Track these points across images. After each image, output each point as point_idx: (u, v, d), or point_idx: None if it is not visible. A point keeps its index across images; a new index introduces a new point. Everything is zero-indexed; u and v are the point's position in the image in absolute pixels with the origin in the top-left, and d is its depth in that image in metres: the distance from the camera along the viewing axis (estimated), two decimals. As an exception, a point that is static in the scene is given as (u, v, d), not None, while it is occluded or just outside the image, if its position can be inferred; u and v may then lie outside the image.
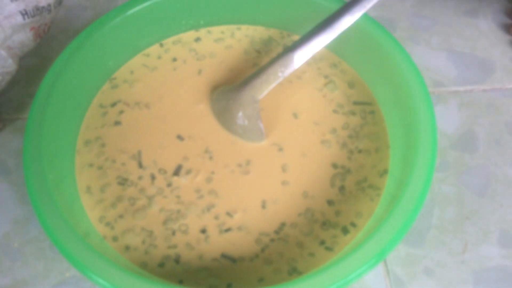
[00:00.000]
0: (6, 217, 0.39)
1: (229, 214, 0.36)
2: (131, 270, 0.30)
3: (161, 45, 0.45)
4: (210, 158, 0.38)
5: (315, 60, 0.44)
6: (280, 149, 0.39)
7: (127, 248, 0.35)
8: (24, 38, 0.41)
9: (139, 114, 0.41)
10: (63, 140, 0.38)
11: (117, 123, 0.40)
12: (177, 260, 0.34)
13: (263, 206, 0.36)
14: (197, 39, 0.45)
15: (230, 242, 0.35)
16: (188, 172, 0.38)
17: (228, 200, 0.37)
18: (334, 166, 0.38)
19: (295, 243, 0.35)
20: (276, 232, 0.35)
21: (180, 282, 0.33)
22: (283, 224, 0.36)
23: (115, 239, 0.35)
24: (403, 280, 0.36)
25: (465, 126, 0.44)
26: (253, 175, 0.38)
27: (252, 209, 0.36)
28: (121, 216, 0.36)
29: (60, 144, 0.37)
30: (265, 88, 0.38)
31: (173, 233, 0.35)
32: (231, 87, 0.40)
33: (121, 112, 0.41)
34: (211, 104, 0.41)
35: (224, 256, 0.34)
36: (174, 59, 0.44)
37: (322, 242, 0.35)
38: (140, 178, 0.37)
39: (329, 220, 0.36)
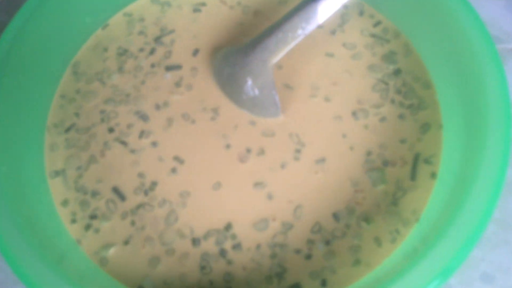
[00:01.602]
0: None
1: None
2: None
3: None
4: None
5: (344, 13, 0.35)
6: (296, 135, 0.31)
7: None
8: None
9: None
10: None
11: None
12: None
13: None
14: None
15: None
16: None
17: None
18: (368, 153, 0.30)
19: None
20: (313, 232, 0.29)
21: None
22: (317, 223, 0.29)
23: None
24: (456, 289, 0.29)
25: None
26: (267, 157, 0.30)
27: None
28: None
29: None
30: (280, 50, 0.30)
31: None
32: (237, 48, 0.32)
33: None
34: (213, 71, 0.33)
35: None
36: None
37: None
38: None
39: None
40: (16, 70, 0.30)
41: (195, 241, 0.29)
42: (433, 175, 0.29)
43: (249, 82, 0.31)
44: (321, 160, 0.30)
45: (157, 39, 0.35)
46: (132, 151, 0.32)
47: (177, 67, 0.34)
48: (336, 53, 0.33)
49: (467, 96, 0.28)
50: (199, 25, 0.35)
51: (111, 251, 0.29)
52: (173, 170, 0.31)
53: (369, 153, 0.30)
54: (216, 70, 0.33)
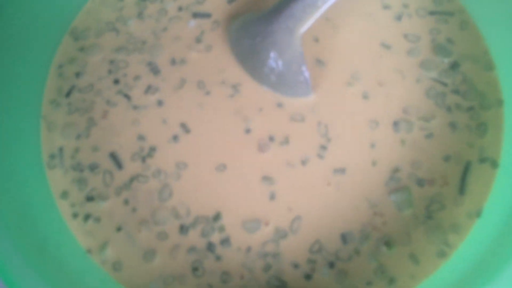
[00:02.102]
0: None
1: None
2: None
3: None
4: None
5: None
6: (325, 126, 0.26)
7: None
8: None
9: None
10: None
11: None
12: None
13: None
14: None
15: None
16: None
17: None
18: (395, 170, 0.26)
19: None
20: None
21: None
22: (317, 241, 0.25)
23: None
24: None
25: None
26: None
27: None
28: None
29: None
30: (309, 16, 0.25)
31: None
32: (257, 16, 0.27)
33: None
34: (230, 42, 0.28)
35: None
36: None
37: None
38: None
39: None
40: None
41: (183, 229, 0.26)
42: (494, 164, 0.25)
43: (274, 55, 0.26)
44: (340, 170, 0.26)
45: None
46: (135, 107, 0.28)
47: (206, 15, 0.29)
48: (394, 45, 0.28)
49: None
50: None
51: (109, 249, 0.26)
52: (175, 138, 0.27)
53: (395, 170, 0.25)
54: (234, 42, 0.28)
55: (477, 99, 0.26)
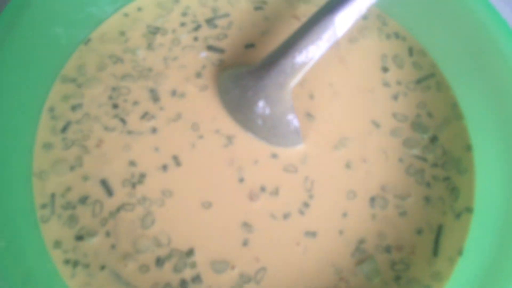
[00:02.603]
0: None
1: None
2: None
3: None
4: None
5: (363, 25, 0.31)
6: (311, 182, 0.28)
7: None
8: None
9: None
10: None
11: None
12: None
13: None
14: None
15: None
16: None
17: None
18: (361, 241, 0.27)
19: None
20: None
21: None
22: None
23: None
24: None
25: None
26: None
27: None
28: None
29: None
30: (298, 72, 0.27)
31: None
32: (247, 70, 0.28)
33: None
34: (219, 91, 0.29)
35: None
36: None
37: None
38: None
39: None
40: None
41: (159, 261, 0.26)
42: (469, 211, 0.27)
43: (266, 109, 0.27)
44: (311, 234, 0.27)
45: (209, 20, 0.32)
46: (129, 132, 0.28)
47: (219, 50, 0.31)
48: (383, 124, 0.29)
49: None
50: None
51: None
52: (165, 167, 0.28)
53: (361, 241, 0.27)
54: (223, 93, 0.29)
55: (454, 168, 0.28)
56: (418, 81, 0.30)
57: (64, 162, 0.28)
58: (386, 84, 0.30)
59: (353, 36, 0.31)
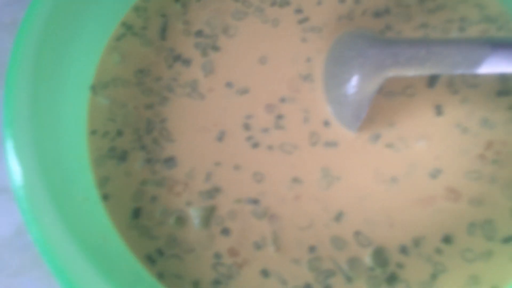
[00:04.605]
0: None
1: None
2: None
3: None
4: None
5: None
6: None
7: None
8: None
9: None
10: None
11: None
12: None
13: None
14: None
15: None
16: None
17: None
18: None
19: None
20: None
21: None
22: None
23: None
24: None
25: None
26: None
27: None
28: None
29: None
30: (405, 67, 0.23)
31: None
32: (371, 35, 0.26)
33: None
34: (329, 54, 0.27)
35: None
36: None
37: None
38: None
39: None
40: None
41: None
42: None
43: (354, 78, 0.24)
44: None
45: None
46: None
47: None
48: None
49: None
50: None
51: None
52: None
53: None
54: (332, 52, 0.27)
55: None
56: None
57: None
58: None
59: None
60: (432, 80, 0.27)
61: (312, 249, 0.24)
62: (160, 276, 0.24)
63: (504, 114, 0.26)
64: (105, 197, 0.25)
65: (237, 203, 0.25)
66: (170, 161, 0.26)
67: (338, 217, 0.25)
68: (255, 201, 0.25)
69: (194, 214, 0.25)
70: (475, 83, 0.27)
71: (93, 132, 0.26)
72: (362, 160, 0.25)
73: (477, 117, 0.26)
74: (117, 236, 0.25)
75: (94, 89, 0.27)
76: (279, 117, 0.26)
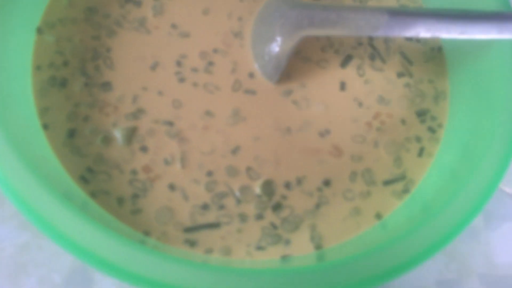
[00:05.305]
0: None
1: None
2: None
3: None
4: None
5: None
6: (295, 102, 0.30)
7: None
8: None
9: None
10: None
11: None
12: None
13: None
14: None
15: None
16: None
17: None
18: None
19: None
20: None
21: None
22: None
23: None
24: None
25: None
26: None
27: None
28: None
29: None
30: (322, 29, 0.28)
31: None
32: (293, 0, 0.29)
33: None
34: (257, 16, 0.31)
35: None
36: None
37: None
38: None
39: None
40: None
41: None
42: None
43: (277, 36, 0.29)
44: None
45: None
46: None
47: None
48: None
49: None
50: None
51: None
52: None
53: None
54: (260, 12, 0.31)
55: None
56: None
57: None
58: None
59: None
60: (344, 62, 0.31)
61: (209, 173, 0.28)
62: (93, 195, 0.27)
63: (399, 91, 0.31)
64: (45, 127, 0.27)
65: (155, 123, 0.28)
66: (106, 85, 0.29)
67: (235, 150, 0.28)
68: (170, 123, 0.28)
69: (118, 135, 0.28)
70: (381, 67, 0.31)
71: (37, 68, 0.28)
72: (268, 108, 0.29)
73: (375, 96, 0.31)
74: (54, 157, 0.27)
75: (40, 30, 0.29)
76: (210, 63, 0.30)
